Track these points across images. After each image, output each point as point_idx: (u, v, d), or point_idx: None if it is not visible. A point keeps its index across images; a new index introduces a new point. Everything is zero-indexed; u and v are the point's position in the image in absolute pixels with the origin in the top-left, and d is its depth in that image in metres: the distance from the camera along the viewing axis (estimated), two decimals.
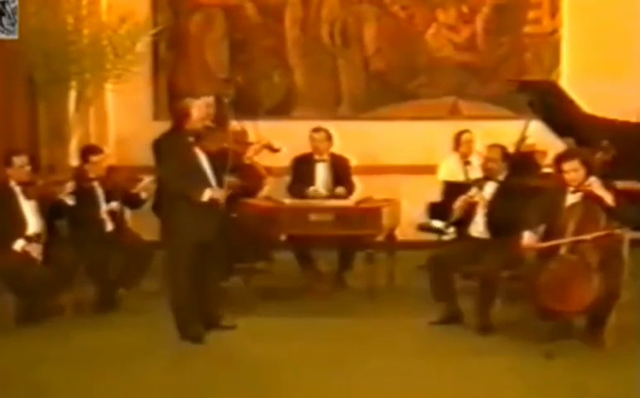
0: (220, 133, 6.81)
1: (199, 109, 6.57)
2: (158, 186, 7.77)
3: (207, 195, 6.44)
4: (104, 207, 7.52)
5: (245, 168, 7.56)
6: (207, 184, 6.50)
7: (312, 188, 8.26)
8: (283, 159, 8.45)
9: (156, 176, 7.86)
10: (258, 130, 7.81)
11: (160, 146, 6.64)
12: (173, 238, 6.54)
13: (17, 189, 7.07)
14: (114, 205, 7.54)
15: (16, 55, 8.25)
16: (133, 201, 7.71)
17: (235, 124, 7.69)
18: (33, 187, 7.11)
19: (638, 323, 6.58)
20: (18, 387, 5.64)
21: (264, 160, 8.12)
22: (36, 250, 6.96)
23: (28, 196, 7.07)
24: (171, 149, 6.56)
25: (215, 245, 6.55)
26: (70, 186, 7.21)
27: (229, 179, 6.61)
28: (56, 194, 7.16)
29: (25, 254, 6.94)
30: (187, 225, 6.42)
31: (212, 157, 6.56)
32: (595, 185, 6.24)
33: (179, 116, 6.56)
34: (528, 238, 6.40)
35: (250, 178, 7.92)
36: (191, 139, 6.50)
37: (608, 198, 6.19)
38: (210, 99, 7.06)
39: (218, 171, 6.57)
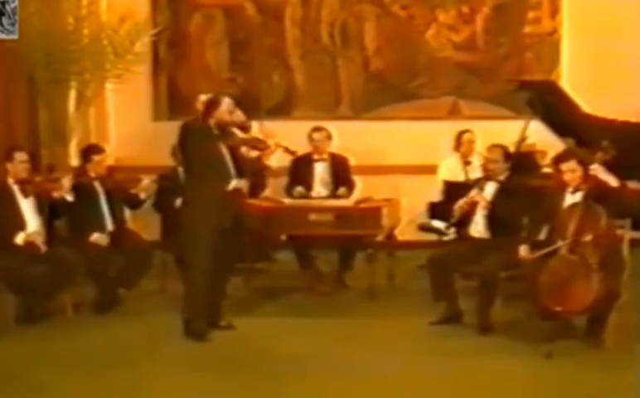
0: (242, 133, 6.84)
1: (227, 105, 6.62)
2: (161, 184, 7.79)
3: (233, 184, 6.52)
4: (104, 206, 7.51)
5: (257, 168, 7.56)
6: (230, 176, 6.56)
7: (297, 189, 8.25)
8: (283, 159, 8.43)
9: (158, 175, 7.89)
10: (263, 129, 7.82)
11: (189, 130, 6.65)
12: (194, 225, 6.52)
13: (15, 187, 7.07)
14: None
15: (16, 56, 8.25)
16: (133, 202, 7.71)
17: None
18: (31, 185, 7.09)
19: (638, 323, 6.57)
20: (18, 387, 5.63)
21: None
22: (39, 239, 6.95)
23: (26, 194, 7.05)
24: (200, 135, 6.59)
25: (229, 237, 6.55)
26: (67, 180, 7.19)
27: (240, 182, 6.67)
28: (53, 191, 7.13)
29: (28, 245, 6.92)
30: (210, 209, 6.45)
31: (232, 154, 6.61)
32: (599, 170, 6.26)
33: (208, 105, 6.63)
34: (523, 250, 6.42)
35: (258, 177, 7.91)
36: (216, 132, 6.55)
37: (613, 181, 6.20)
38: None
39: (237, 167, 6.63)
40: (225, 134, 6.60)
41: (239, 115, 6.83)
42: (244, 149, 6.77)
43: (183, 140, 6.66)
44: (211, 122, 6.57)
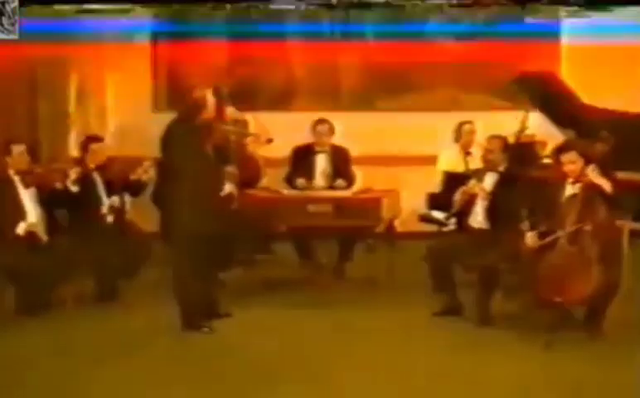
0: (223, 125, 6.81)
1: (211, 99, 6.57)
2: (160, 177, 7.78)
3: (227, 189, 6.47)
4: (104, 199, 7.50)
5: (244, 159, 7.55)
6: (219, 174, 6.55)
7: (299, 180, 8.22)
8: (283, 149, 8.43)
9: (157, 164, 7.88)
10: (259, 121, 7.82)
11: (172, 137, 6.59)
12: (179, 229, 6.53)
13: (16, 178, 7.08)
14: (115, 199, 7.50)
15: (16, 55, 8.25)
16: (134, 188, 7.69)
17: (236, 113, 7.72)
18: (32, 176, 7.11)
19: (638, 315, 6.58)
20: (18, 379, 5.64)
21: (262, 150, 8.14)
22: (40, 230, 6.95)
23: (27, 185, 7.08)
24: (186, 142, 6.52)
25: (219, 235, 6.55)
26: (74, 172, 7.24)
27: (228, 170, 6.64)
28: (55, 182, 7.16)
29: (29, 235, 6.93)
30: (194, 217, 6.43)
31: (216, 148, 6.58)
32: (594, 173, 6.25)
33: (195, 106, 6.54)
34: (531, 238, 6.40)
35: (249, 169, 7.91)
36: (202, 131, 6.51)
37: (607, 186, 6.19)
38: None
39: (222, 161, 6.61)
40: (209, 132, 6.54)
41: (233, 111, 6.85)
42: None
43: (167, 143, 6.59)
44: (197, 122, 6.51)
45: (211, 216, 6.44)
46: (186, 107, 6.62)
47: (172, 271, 6.64)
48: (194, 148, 6.47)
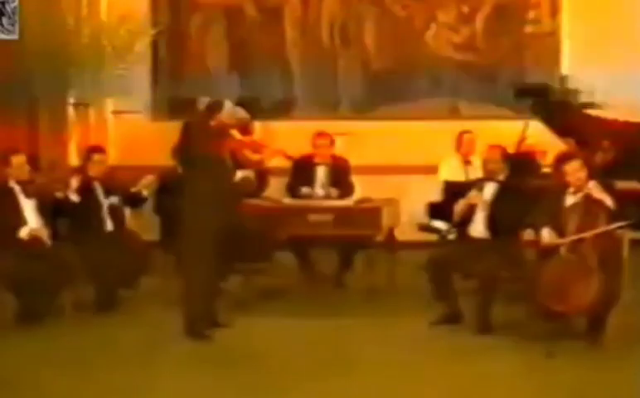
0: (243, 136, 6.89)
1: (228, 108, 6.66)
2: (166, 184, 7.81)
3: (239, 175, 6.61)
4: (105, 206, 7.51)
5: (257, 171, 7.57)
6: (230, 176, 6.65)
7: (304, 189, 8.22)
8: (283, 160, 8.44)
9: (158, 175, 7.90)
10: (267, 130, 7.85)
11: (191, 128, 6.68)
12: (193, 227, 6.55)
13: (17, 188, 7.08)
14: (115, 200, 7.52)
15: (16, 55, 8.25)
16: (134, 200, 7.72)
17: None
18: (33, 185, 7.11)
19: (639, 324, 6.58)
20: (18, 387, 5.63)
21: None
22: (44, 233, 6.96)
23: (28, 195, 7.08)
24: (202, 134, 6.61)
25: (222, 241, 6.57)
26: (75, 181, 7.25)
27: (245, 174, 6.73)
28: (57, 192, 7.17)
29: (31, 242, 6.93)
30: (210, 207, 6.47)
31: (233, 156, 6.68)
32: (594, 189, 6.24)
33: (210, 107, 6.65)
34: (548, 235, 6.37)
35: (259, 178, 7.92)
36: (216, 133, 6.59)
37: (608, 201, 6.19)
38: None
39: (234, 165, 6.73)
40: (224, 136, 6.62)
41: (242, 113, 6.88)
42: (246, 152, 6.82)
43: (185, 138, 6.68)
44: (212, 123, 6.59)
45: (223, 216, 6.49)
46: (203, 109, 6.73)
47: (184, 273, 6.67)
48: (210, 144, 6.56)
